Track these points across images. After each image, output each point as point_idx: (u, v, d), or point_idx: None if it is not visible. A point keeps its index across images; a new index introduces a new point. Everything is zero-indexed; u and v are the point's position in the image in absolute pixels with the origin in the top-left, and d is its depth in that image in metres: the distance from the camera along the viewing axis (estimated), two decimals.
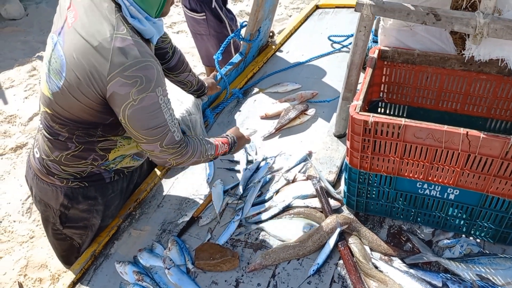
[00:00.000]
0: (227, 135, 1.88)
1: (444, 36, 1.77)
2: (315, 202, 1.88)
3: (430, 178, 1.63)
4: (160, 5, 1.48)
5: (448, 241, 1.70)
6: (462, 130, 1.44)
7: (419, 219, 1.77)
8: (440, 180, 1.62)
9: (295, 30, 3.22)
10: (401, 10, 1.57)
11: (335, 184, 1.98)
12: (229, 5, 3.42)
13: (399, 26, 1.79)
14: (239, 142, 1.92)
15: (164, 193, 2.11)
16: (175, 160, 1.61)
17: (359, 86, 1.84)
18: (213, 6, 3.13)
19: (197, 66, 4.46)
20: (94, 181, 1.78)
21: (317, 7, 3.42)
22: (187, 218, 1.93)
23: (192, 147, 1.65)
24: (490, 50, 1.62)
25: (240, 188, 2.00)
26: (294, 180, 2.00)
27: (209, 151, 1.73)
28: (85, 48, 1.40)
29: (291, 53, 2.99)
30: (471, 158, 1.50)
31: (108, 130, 1.63)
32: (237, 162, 2.16)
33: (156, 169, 2.22)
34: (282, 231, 1.80)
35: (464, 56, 1.71)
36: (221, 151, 1.80)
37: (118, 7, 1.44)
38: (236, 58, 2.79)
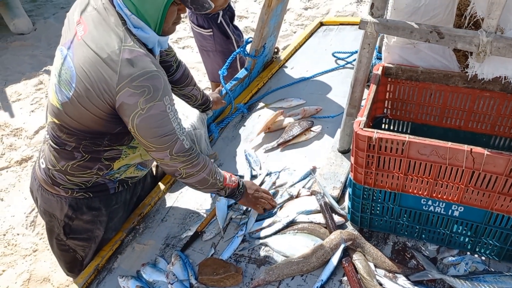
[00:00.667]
0: (236, 175, 1.86)
1: (448, 54, 1.78)
2: (319, 218, 1.87)
3: (434, 195, 1.62)
4: (159, 18, 1.50)
5: (453, 258, 1.69)
6: (466, 147, 1.44)
7: (423, 235, 1.77)
8: (444, 197, 1.61)
9: (300, 47, 3.25)
10: (405, 28, 1.58)
11: (339, 199, 1.98)
12: (235, 22, 3.45)
13: (402, 44, 1.81)
14: (249, 191, 1.87)
15: (168, 208, 2.11)
16: (185, 169, 1.63)
17: (363, 103, 1.85)
18: (219, 22, 3.16)
19: (202, 81, 4.50)
20: (98, 191, 1.80)
21: (321, 24, 3.46)
22: (190, 233, 1.93)
23: (204, 160, 1.67)
24: (493, 68, 1.63)
25: None
26: (298, 196, 2.00)
27: (218, 175, 1.73)
28: (94, 60, 1.44)
29: (295, 69, 3.02)
30: (475, 175, 1.50)
31: (115, 140, 1.66)
32: (242, 177, 2.17)
33: (160, 183, 2.23)
34: (286, 247, 1.80)
35: (467, 74, 1.72)
36: (229, 183, 1.79)
37: (124, 20, 1.49)
38: (241, 73, 2.82)
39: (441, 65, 1.82)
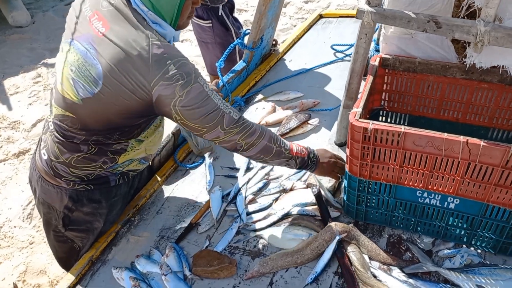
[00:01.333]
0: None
1: (446, 44, 1.76)
2: (314, 211, 1.86)
3: (430, 187, 1.61)
4: (175, 13, 1.52)
5: (449, 251, 1.67)
6: (462, 138, 1.43)
7: (419, 228, 1.75)
8: (440, 189, 1.60)
9: (299, 39, 3.22)
10: (402, 17, 1.56)
11: (335, 192, 1.96)
12: (235, 14, 3.43)
13: (400, 34, 1.79)
14: (323, 159, 1.82)
15: (163, 200, 2.10)
16: (244, 140, 1.61)
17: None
18: (219, 14, 3.14)
19: (202, 74, 4.48)
20: (99, 184, 1.80)
21: (320, 16, 3.43)
22: (185, 225, 1.92)
23: (260, 128, 1.65)
24: (491, 58, 1.62)
25: (232, 193, 2.00)
26: (293, 188, 1.99)
27: (281, 143, 1.70)
28: (124, 57, 1.45)
29: (294, 61, 2.99)
30: (471, 167, 1.48)
31: (126, 134, 1.67)
32: (237, 169, 2.15)
33: (156, 175, 2.21)
34: (281, 239, 1.79)
35: (465, 64, 1.70)
36: (297, 151, 1.74)
37: (142, 17, 1.50)
38: (239, 65, 2.80)
39: (439, 56, 1.81)
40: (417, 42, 1.79)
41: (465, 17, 1.62)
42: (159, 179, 2.19)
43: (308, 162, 1.78)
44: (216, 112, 1.53)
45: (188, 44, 5.07)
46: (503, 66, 1.65)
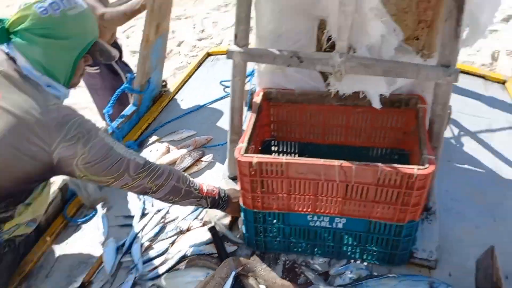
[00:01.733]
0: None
1: (314, 75, 1.88)
2: (212, 248, 1.85)
3: (317, 210, 1.67)
4: (68, 74, 1.53)
5: (340, 268, 1.74)
6: (337, 163, 1.51)
7: (315, 250, 1.81)
8: (326, 211, 1.67)
9: (189, 78, 3.27)
10: (268, 55, 1.65)
11: (232, 226, 1.97)
12: (127, 57, 3.39)
13: (272, 69, 1.88)
14: (235, 200, 1.83)
15: (53, 261, 1.94)
16: (153, 182, 1.60)
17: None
18: None
19: (98, 121, 4.32)
20: None
21: (208, 54, 3.54)
22: (77, 285, 1.79)
23: (168, 169, 1.65)
24: (351, 85, 1.75)
25: (126, 242, 1.93)
26: (189, 228, 1.96)
27: (191, 183, 1.71)
28: (21, 125, 1.41)
29: (185, 100, 3.02)
30: (349, 188, 1.57)
31: (14, 202, 1.58)
32: (132, 217, 2.08)
33: (45, 236, 2.06)
34: (179, 284, 1.74)
35: (330, 91, 1.83)
36: (208, 191, 1.76)
37: (35, 81, 1.47)
38: (129, 110, 2.76)
39: (311, 86, 1.92)
40: (288, 75, 1.89)
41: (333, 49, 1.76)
42: (48, 239, 2.04)
43: (219, 201, 1.81)
44: (121, 161, 1.53)
45: (81, 90, 4.88)
46: (362, 91, 1.80)
